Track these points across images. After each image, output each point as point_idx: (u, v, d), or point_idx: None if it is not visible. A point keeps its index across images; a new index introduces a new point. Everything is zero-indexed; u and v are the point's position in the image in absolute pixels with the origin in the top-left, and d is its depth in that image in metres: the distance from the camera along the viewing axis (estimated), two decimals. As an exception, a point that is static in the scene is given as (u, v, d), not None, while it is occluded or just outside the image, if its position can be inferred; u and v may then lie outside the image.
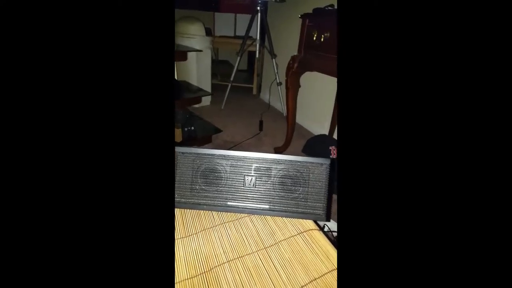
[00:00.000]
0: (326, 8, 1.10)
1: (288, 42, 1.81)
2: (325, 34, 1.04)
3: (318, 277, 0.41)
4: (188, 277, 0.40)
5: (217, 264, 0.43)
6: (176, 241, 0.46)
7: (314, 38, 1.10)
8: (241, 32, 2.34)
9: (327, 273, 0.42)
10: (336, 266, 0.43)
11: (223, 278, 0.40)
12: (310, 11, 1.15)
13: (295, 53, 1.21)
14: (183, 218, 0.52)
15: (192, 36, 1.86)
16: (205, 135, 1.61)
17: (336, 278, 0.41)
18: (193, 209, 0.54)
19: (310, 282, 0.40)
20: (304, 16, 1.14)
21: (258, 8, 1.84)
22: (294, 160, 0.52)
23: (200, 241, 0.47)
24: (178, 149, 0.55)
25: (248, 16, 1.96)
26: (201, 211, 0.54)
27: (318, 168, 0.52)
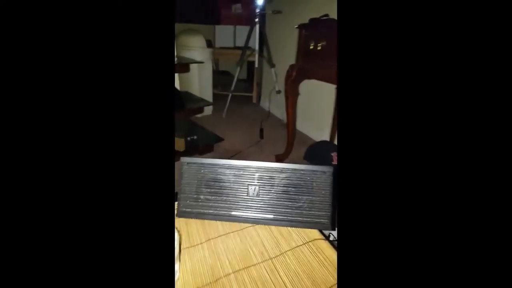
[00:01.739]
0: (322, 18, 1.13)
1: (286, 52, 1.84)
2: (322, 43, 1.07)
3: (326, 288, 0.41)
4: (195, 287, 0.40)
5: (223, 275, 0.42)
6: (182, 251, 0.46)
7: (311, 47, 1.12)
8: (240, 43, 2.39)
9: (334, 284, 0.41)
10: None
11: (229, 290, 0.40)
12: (306, 21, 1.18)
13: (293, 62, 1.23)
14: (188, 228, 0.52)
15: (193, 48, 1.90)
16: (207, 144, 1.62)
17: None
18: (198, 218, 0.54)
19: (318, 292, 0.40)
20: (301, 27, 1.17)
21: (256, 19, 1.88)
22: (297, 169, 0.53)
23: (205, 252, 0.47)
24: (183, 159, 0.55)
25: (247, 28, 2.00)
26: (206, 221, 0.54)
27: (321, 176, 0.52)
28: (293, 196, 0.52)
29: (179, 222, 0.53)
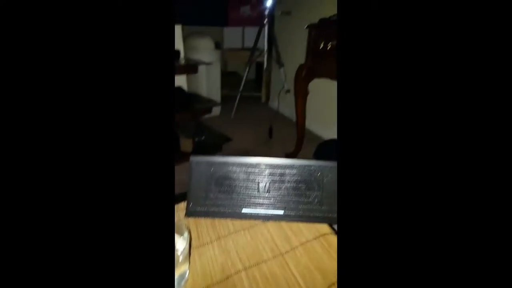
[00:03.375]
0: (332, 19, 1.12)
1: (295, 51, 1.83)
2: (332, 42, 1.06)
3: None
4: (205, 286, 0.40)
5: (233, 273, 0.42)
6: (192, 251, 0.46)
7: (321, 47, 1.11)
8: (249, 44, 2.40)
9: (346, 279, 0.41)
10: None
11: (241, 287, 0.40)
12: (315, 22, 1.17)
13: (303, 62, 1.23)
14: (197, 227, 0.52)
15: (201, 50, 1.92)
16: (215, 144, 1.64)
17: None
18: (208, 217, 0.55)
19: (329, 287, 0.39)
20: (310, 27, 1.17)
21: (265, 20, 1.89)
22: (307, 164, 0.52)
23: (215, 250, 0.47)
24: (192, 158, 0.56)
25: (256, 29, 2.02)
26: (216, 220, 0.55)
27: (331, 171, 0.51)
28: (304, 191, 0.52)
29: (188, 222, 0.54)
